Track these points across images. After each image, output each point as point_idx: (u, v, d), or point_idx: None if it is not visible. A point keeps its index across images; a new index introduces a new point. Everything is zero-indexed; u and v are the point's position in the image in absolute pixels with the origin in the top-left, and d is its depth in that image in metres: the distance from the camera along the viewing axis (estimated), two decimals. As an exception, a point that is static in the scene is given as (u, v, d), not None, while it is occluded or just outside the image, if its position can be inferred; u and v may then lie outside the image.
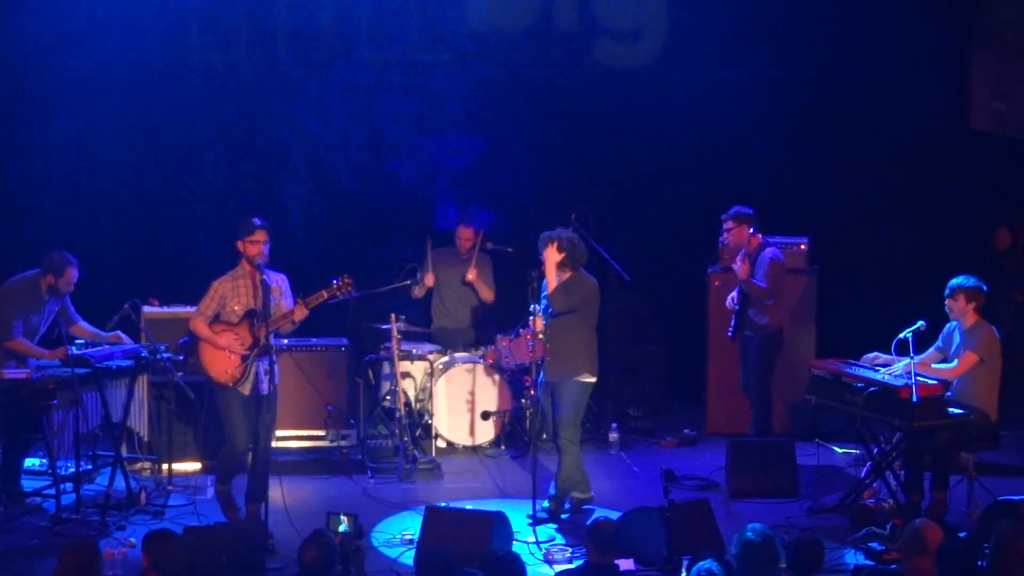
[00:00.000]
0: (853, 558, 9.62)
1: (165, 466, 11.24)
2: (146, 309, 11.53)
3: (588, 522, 9.13)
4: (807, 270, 12.87)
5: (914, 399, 9.97)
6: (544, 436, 11.28)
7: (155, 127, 13.64)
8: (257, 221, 10.35)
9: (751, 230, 11.84)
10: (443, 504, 10.27)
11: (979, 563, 7.74)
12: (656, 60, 14.22)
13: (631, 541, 9.24)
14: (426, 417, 12.32)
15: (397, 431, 11.75)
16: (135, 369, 10.92)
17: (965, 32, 14.31)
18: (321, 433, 12.03)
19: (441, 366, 12.34)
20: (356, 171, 13.98)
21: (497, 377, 12.34)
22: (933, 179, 14.39)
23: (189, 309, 11.61)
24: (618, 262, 12.50)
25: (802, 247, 12.88)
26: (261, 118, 13.81)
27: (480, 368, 12.32)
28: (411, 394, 12.32)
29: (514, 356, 12.35)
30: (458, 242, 12.80)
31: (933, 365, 10.52)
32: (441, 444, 12.35)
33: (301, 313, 10.35)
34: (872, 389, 10.28)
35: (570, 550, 9.70)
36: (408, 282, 12.31)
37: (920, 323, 10.36)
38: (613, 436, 12.50)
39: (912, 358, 10.13)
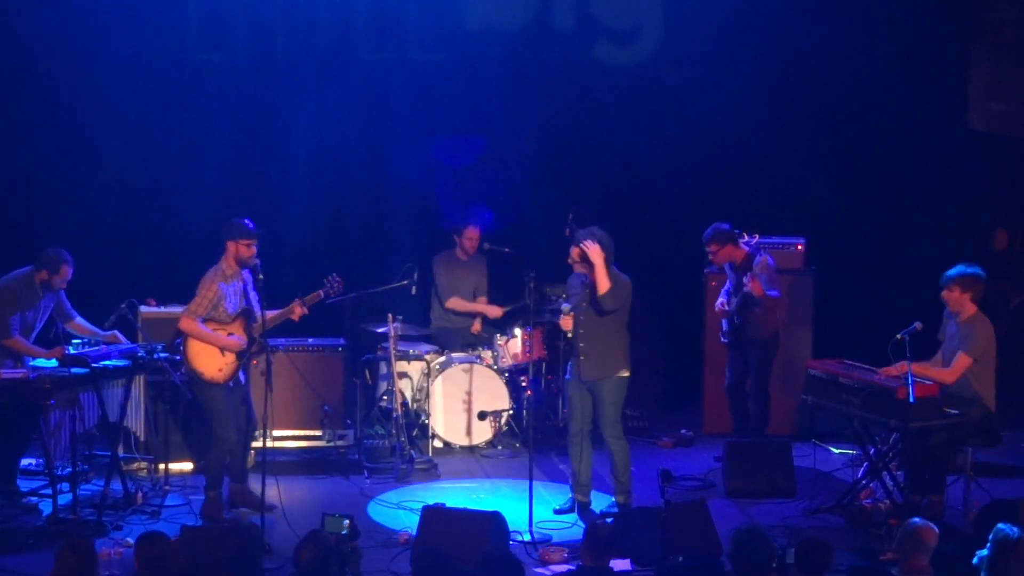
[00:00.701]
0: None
1: (162, 466, 11.24)
2: (143, 309, 11.52)
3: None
4: (804, 270, 12.87)
5: (911, 400, 9.98)
6: (576, 432, 11.14)
7: (153, 126, 13.65)
8: (251, 225, 10.45)
9: (745, 239, 11.85)
10: (439, 503, 10.26)
11: (975, 564, 7.75)
12: (654, 59, 14.22)
13: (627, 541, 9.24)
14: (423, 417, 12.32)
15: (394, 431, 11.75)
16: (132, 369, 10.91)
17: (963, 32, 14.31)
18: (318, 433, 12.02)
19: (438, 366, 12.34)
20: (354, 171, 13.97)
21: (494, 377, 12.34)
22: (930, 179, 14.39)
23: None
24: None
25: (799, 247, 12.88)
26: (259, 118, 13.79)
27: (477, 368, 12.32)
28: (408, 394, 12.32)
29: (511, 356, 12.37)
30: (466, 243, 12.79)
31: (928, 368, 10.48)
32: (438, 444, 12.35)
33: (300, 311, 10.38)
34: (869, 389, 10.29)
35: (566, 551, 9.69)
36: (405, 282, 12.30)
37: (916, 324, 10.36)
38: (610, 436, 12.48)
39: (908, 359, 10.13)
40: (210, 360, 10.41)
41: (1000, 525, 7.73)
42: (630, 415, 13.02)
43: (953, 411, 10.33)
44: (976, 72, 14.27)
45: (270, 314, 10.56)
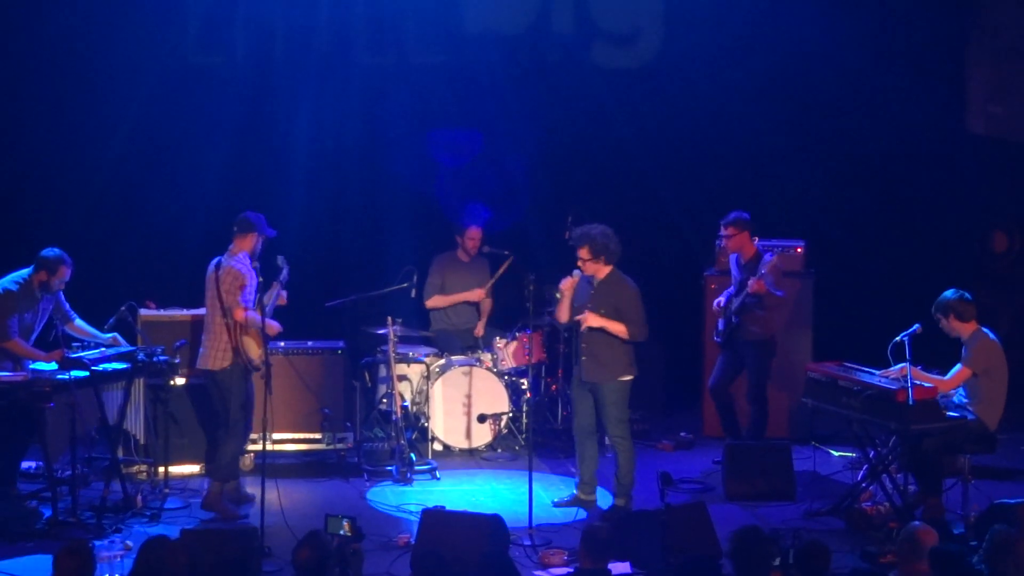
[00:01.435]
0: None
1: (161, 469, 11.23)
2: (143, 312, 11.52)
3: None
4: (804, 273, 12.87)
5: (910, 402, 9.98)
6: (577, 430, 11.14)
7: (153, 129, 13.65)
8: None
9: (753, 237, 11.86)
10: (439, 506, 10.26)
11: (974, 566, 7.75)
12: (653, 62, 14.24)
13: (627, 544, 9.24)
14: (422, 420, 12.32)
15: (393, 434, 11.75)
16: (131, 372, 10.90)
17: (962, 35, 14.31)
18: (317, 436, 12.01)
19: (438, 369, 12.34)
20: (354, 174, 13.98)
21: (494, 380, 12.34)
22: (930, 182, 14.40)
23: (185, 312, 11.67)
24: (614, 264, 12.50)
25: (799, 250, 12.88)
26: (259, 120, 13.81)
27: (477, 371, 12.32)
28: (408, 397, 12.31)
29: (510, 359, 12.37)
30: (468, 243, 12.80)
31: (926, 373, 10.47)
32: (437, 447, 12.35)
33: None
34: (869, 392, 10.30)
35: (565, 553, 9.68)
36: (405, 284, 12.31)
37: (916, 326, 10.36)
38: (609, 439, 12.48)
39: (908, 362, 10.13)
40: (255, 347, 10.66)
41: (997, 526, 7.75)
42: (631, 418, 13.02)
43: (953, 414, 10.33)
44: (975, 75, 14.28)
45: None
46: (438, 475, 11.72)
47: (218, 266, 10.77)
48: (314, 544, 7.84)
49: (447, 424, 12.31)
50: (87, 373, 10.50)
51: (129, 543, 9.71)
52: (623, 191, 14.17)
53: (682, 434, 12.84)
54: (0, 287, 10.76)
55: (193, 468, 11.61)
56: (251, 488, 11.01)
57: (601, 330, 10.55)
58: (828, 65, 14.19)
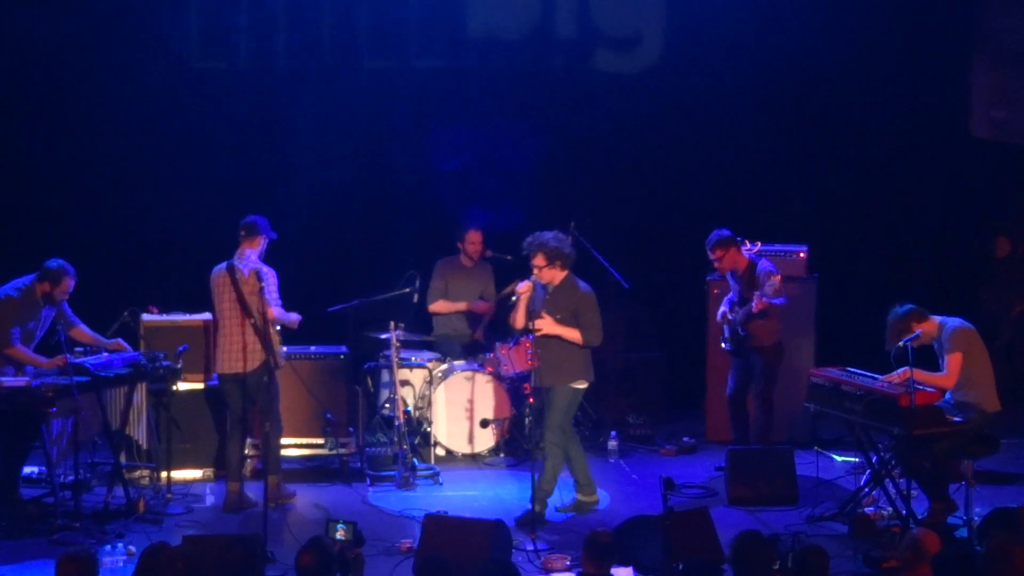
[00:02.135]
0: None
1: (164, 474, 11.22)
2: (145, 317, 11.53)
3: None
4: (806, 278, 12.86)
5: (913, 407, 9.97)
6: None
7: (155, 134, 13.65)
8: None
9: (748, 247, 11.85)
10: (441, 511, 10.26)
11: (978, 572, 7.74)
12: (655, 67, 14.23)
13: (630, 549, 9.24)
14: (425, 425, 12.31)
15: (396, 439, 11.74)
16: (134, 377, 10.91)
17: (964, 40, 14.31)
18: (320, 441, 12.01)
19: (440, 374, 12.34)
20: (356, 178, 13.98)
21: (496, 385, 12.34)
22: (932, 187, 14.39)
23: (188, 317, 11.67)
24: (617, 269, 12.51)
25: (801, 255, 12.87)
26: (261, 125, 13.81)
27: (479, 376, 12.31)
28: (410, 402, 12.31)
29: (513, 364, 12.35)
30: (469, 247, 12.79)
31: (928, 374, 10.46)
32: (440, 452, 12.34)
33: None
34: (871, 397, 10.29)
35: (569, 558, 9.68)
36: (408, 290, 12.30)
37: (918, 331, 10.35)
38: (612, 444, 12.50)
39: (911, 367, 10.12)
40: (278, 344, 10.91)
41: (995, 531, 7.76)
42: (633, 423, 13.04)
43: (956, 418, 10.33)
44: (978, 80, 14.27)
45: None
46: (440, 480, 11.71)
47: (231, 269, 10.81)
48: (317, 549, 7.84)
49: (450, 429, 12.31)
50: (89, 378, 10.51)
51: (131, 548, 9.73)
52: (625, 196, 14.16)
53: (685, 439, 12.84)
54: (1, 293, 10.77)
55: (196, 473, 11.62)
56: (250, 492, 11.05)
57: (556, 336, 10.52)
58: (830, 69, 14.19)
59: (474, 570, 8.15)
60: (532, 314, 10.58)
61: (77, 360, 10.60)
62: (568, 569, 9.55)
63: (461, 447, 12.34)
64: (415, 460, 11.77)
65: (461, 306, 12.78)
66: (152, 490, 11.15)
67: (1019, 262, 14.34)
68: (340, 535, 8.77)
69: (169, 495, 11.06)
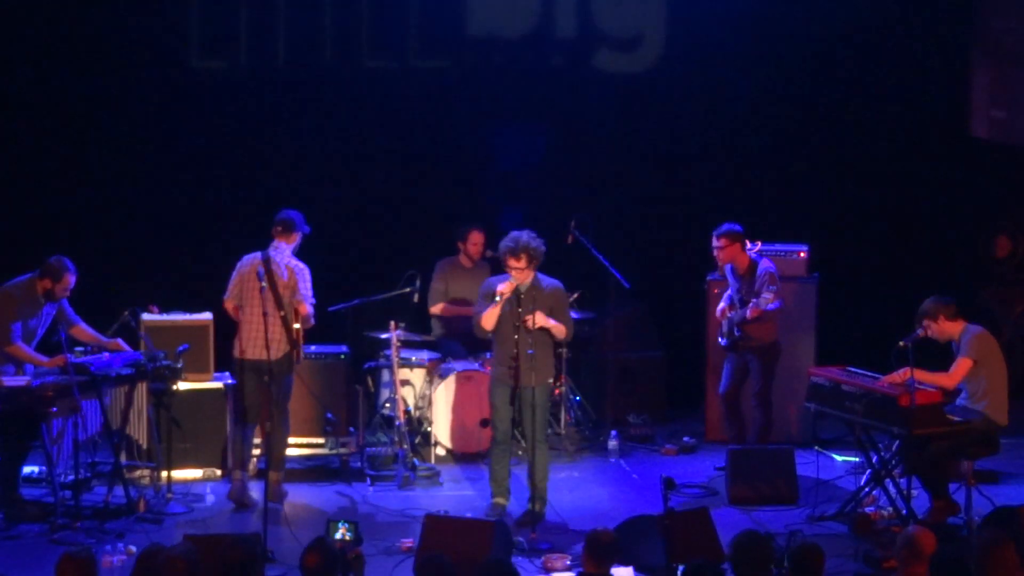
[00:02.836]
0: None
1: (164, 474, 11.22)
2: (145, 317, 11.52)
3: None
4: (807, 278, 12.86)
5: (913, 407, 9.98)
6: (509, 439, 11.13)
7: (155, 133, 13.64)
8: None
9: (748, 246, 11.85)
10: (442, 511, 10.27)
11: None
12: (656, 67, 14.22)
13: (630, 549, 9.24)
14: (425, 425, 12.31)
15: (396, 439, 11.75)
16: (134, 377, 10.91)
17: (964, 39, 14.31)
18: (320, 441, 12.01)
19: (440, 374, 12.33)
20: (357, 179, 13.98)
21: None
22: (933, 186, 14.39)
23: (188, 316, 11.68)
24: (617, 269, 12.50)
25: (802, 255, 12.86)
26: (261, 125, 13.80)
27: (479, 376, 12.30)
28: (410, 402, 12.31)
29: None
30: (471, 248, 12.77)
31: (929, 373, 10.47)
32: (440, 452, 12.34)
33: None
34: (872, 397, 10.29)
35: (569, 558, 9.68)
36: (408, 289, 12.30)
37: (918, 331, 10.36)
38: (612, 444, 12.49)
39: (911, 366, 10.12)
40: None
41: (985, 530, 7.77)
42: (633, 422, 13.04)
43: (956, 418, 10.33)
44: (978, 80, 14.27)
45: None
46: (441, 480, 11.71)
47: (268, 261, 10.91)
48: (321, 549, 7.83)
49: (450, 429, 12.30)
50: (89, 378, 10.51)
51: (132, 548, 9.74)
52: (625, 195, 14.16)
53: (685, 439, 12.83)
54: (2, 291, 10.77)
55: (196, 473, 11.61)
56: (253, 492, 11.08)
57: (542, 332, 10.51)
58: (831, 69, 14.20)
59: (474, 570, 8.15)
60: (505, 316, 10.53)
61: (78, 360, 10.60)
62: (568, 569, 9.55)
63: (461, 447, 12.34)
64: (415, 460, 11.77)
65: (464, 311, 12.76)
66: (152, 490, 11.15)
67: (1020, 262, 14.33)
68: (341, 534, 8.78)
69: (169, 495, 11.05)
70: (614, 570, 8.36)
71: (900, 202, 14.42)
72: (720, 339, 12.08)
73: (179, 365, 11.10)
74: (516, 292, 10.50)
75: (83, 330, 11.10)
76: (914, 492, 10.48)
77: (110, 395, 10.79)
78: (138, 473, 11.38)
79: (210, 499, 11.20)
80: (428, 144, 14.00)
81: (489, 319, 10.55)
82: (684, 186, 14.16)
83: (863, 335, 13.03)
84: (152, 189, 13.67)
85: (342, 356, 12.14)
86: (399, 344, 11.88)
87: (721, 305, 12.06)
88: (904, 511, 10.36)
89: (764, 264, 11.78)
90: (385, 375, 12.34)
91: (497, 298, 10.48)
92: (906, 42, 14.16)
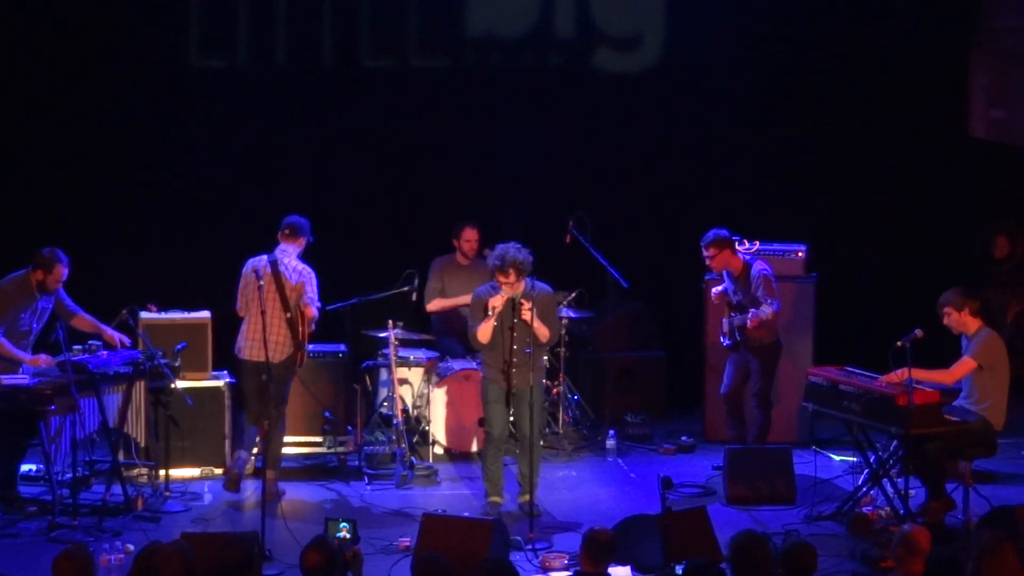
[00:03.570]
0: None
1: (162, 472, 11.23)
2: (144, 315, 11.52)
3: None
4: (805, 278, 12.85)
5: (911, 406, 9.98)
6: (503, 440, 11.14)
7: (154, 132, 13.65)
8: None
9: (746, 246, 11.86)
10: (439, 510, 10.27)
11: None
12: (655, 67, 14.23)
13: (628, 548, 9.24)
14: (423, 424, 12.31)
15: (394, 438, 11.75)
16: (132, 375, 10.92)
17: (964, 40, 14.31)
18: (318, 440, 12.02)
19: (438, 373, 12.33)
20: (355, 177, 13.98)
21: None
22: (931, 186, 14.40)
23: (187, 315, 11.68)
24: (616, 269, 12.50)
25: (800, 255, 12.85)
26: (260, 124, 13.80)
27: (477, 375, 12.29)
28: (409, 401, 12.31)
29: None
30: (465, 245, 12.76)
31: (928, 372, 10.47)
32: (438, 451, 12.34)
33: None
34: (870, 397, 10.30)
35: (567, 557, 9.68)
36: (406, 288, 12.30)
37: (916, 331, 10.36)
38: (610, 443, 12.49)
39: (909, 366, 10.13)
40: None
41: (984, 530, 7.78)
42: (631, 422, 13.04)
43: (954, 418, 10.34)
44: (977, 80, 14.27)
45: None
46: (439, 479, 11.71)
47: (275, 263, 10.92)
48: (322, 548, 7.83)
49: (448, 428, 12.30)
50: (88, 376, 10.51)
51: (130, 546, 9.74)
52: (624, 195, 14.15)
53: (683, 438, 12.83)
54: (-6, 287, 10.78)
55: (194, 471, 11.61)
56: (248, 491, 11.10)
57: (531, 337, 10.50)
58: (830, 69, 14.20)
59: (472, 569, 8.15)
60: (512, 321, 10.54)
61: (76, 358, 10.60)
62: (566, 568, 9.55)
63: (459, 446, 12.33)
64: (413, 459, 11.77)
65: (460, 300, 12.73)
66: (150, 488, 11.16)
67: (1018, 262, 14.34)
68: (339, 532, 8.78)
69: (167, 493, 11.06)
70: (612, 569, 8.36)
71: (899, 202, 14.43)
72: (722, 338, 12.08)
73: (177, 363, 11.11)
74: (510, 301, 10.53)
75: (84, 319, 11.10)
76: (911, 492, 10.49)
77: (108, 393, 10.78)
78: (136, 471, 11.38)
79: (208, 498, 11.20)
80: (427, 144, 14.00)
81: (484, 333, 10.60)
82: (683, 185, 14.15)
83: (861, 335, 13.02)
84: (150, 188, 13.68)
85: (340, 355, 12.15)
86: (397, 343, 11.88)
87: (716, 290, 12.04)
88: (902, 511, 10.36)
89: (758, 266, 11.75)
90: (383, 374, 12.34)
91: (490, 312, 10.53)
92: (905, 42, 14.16)
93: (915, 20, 14.15)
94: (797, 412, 12.24)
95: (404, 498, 11.24)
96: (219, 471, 11.59)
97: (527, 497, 10.61)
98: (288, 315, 10.95)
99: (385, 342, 11.91)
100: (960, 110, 14.38)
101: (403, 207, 13.97)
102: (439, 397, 12.26)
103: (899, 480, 10.56)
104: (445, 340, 12.81)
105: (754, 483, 11.12)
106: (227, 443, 11.65)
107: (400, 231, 13.85)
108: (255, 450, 11.33)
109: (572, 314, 12.73)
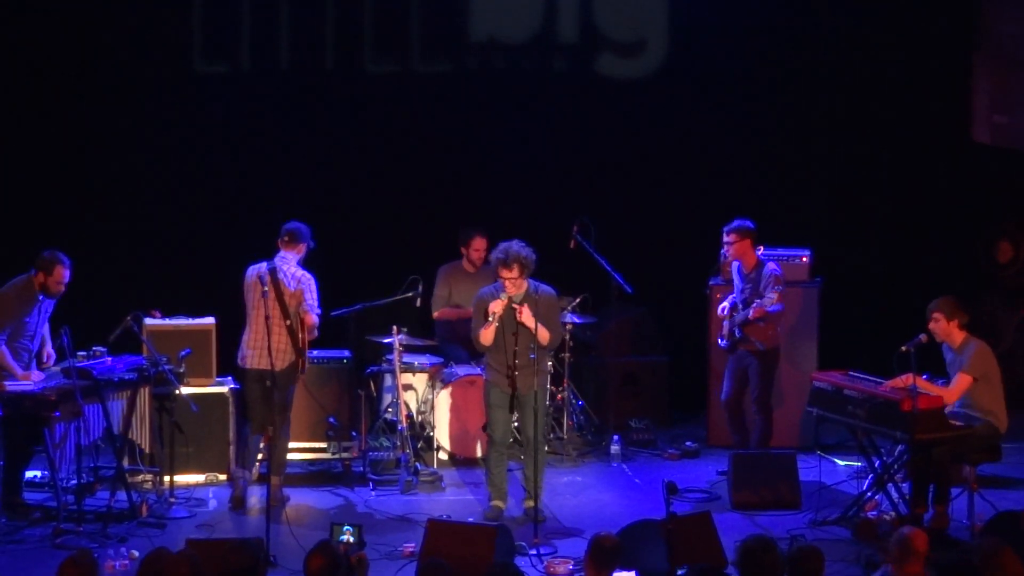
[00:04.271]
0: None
1: (167, 478, 11.23)
2: (148, 321, 11.53)
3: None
4: (809, 282, 12.86)
5: (915, 411, 9.98)
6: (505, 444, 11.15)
7: (158, 137, 13.66)
8: None
9: (757, 247, 11.86)
10: (444, 516, 10.27)
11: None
12: (658, 72, 14.23)
13: (632, 553, 9.23)
14: (428, 429, 12.31)
15: (399, 443, 11.75)
16: (137, 381, 10.92)
17: (966, 45, 14.31)
18: (323, 445, 12.02)
19: (443, 378, 12.34)
20: (359, 183, 13.99)
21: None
22: (934, 191, 14.39)
23: (192, 321, 11.69)
24: (620, 274, 12.51)
25: (804, 259, 12.86)
26: (264, 130, 13.81)
27: (482, 380, 12.28)
28: (413, 406, 12.31)
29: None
30: (473, 254, 12.75)
31: (931, 385, 10.47)
32: (443, 456, 12.34)
33: None
34: (874, 402, 10.29)
35: (571, 562, 9.69)
36: (410, 294, 12.31)
37: (920, 336, 10.36)
38: (614, 448, 12.48)
39: (914, 371, 10.13)
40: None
41: (986, 536, 7.77)
42: (635, 427, 13.03)
43: (958, 423, 10.33)
44: (980, 85, 14.27)
45: None
46: (443, 485, 11.71)
47: (274, 271, 10.93)
48: (326, 552, 7.83)
49: (452, 433, 12.30)
50: (92, 382, 10.51)
51: (134, 552, 9.74)
52: (628, 200, 14.15)
53: (687, 443, 12.82)
54: (-2, 295, 10.78)
55: (198, 477, 11.62)
56: (253, 497, 11.14)
57: (532, 341, 10.51)
58: (833, 74, 14.20)
59: (477, 575, 8.15)
60: (515, 324, 10.54)
61: (81, 364, 10.60)
62: (571, 573, 9.56)
63: (464, 451, 12.33)
64: (418, 464, 11.77)
65: (466, 313, 12.73)
66: (155, 494, 11.16)
67: (1021, 267, 14.34)
68: (344, 537, 8.77)
69: (172, 499, 11.07)
70: (616, 575, 8.35)
71: (902, 207, 14.42)
72: (720, 341, 12.09)
73: (181, 369, 11.11)
74: (511, 302, 10.52)
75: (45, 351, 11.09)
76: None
77: (113, 399, 10.78)
78: (141, 477, 11.38)
79: (212, 503, 11.21)
80: (430, 148, 14.00)
81: (487, 335, 10.60)
82: (686, 191, 14.15)
83: (865, 340, 13.02)
84: (154, 193, 13.68)
85: (344, 360, 12.16)
86: (401, 349, 11.88)
87: (723, 304, 12.05)
88: (906, 515, 10.35)
89: (771, 266, 11.79)
90: (387, 380, 12.35)
91: (491, 317, 10.52)
92: (909, 47, 14.16)
93: (918, 26, 14.15)
94: (800, 417, 12.24)
95: (408, 504, 11.24)
96: (223, 477, 11.61)
97: (532, 502, 10.62)
98: (288, 322, 10.95)
99: (389, 348, 11.92)
100: (963, 115, 14.37)
101: (407, 212, 13.98)
102: (443, 402, 12.26)
103: (904, 485, 10.55)
104: (449, 346, 12.82)
105: (759, 488, 11.12)
106: (231, 449, 11.67)
107: (404, 236, 13.85)
108: (260, 456, 11.33)
109: (576, 319, 12.73)
